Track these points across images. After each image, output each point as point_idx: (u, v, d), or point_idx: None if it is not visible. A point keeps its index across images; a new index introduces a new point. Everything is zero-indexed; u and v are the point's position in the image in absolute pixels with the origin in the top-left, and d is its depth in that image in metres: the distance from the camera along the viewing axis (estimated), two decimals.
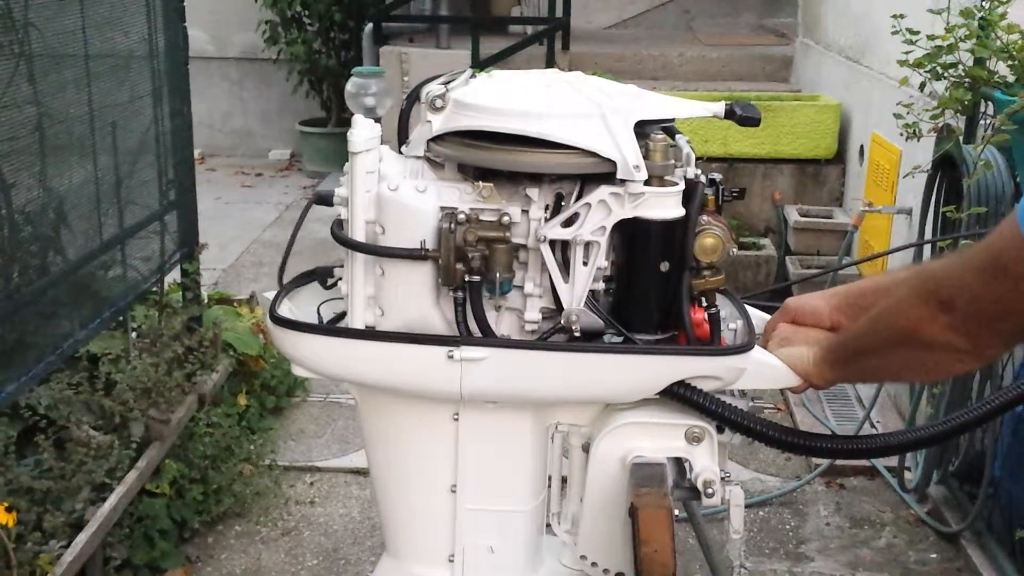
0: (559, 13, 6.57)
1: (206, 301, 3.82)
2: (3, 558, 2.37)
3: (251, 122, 8.07)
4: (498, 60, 6.15)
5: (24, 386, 2.51)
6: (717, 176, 1.44)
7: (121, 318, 3.09)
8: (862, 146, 4.79)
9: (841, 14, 5.46)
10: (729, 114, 1.42)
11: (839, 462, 3.57)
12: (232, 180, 7.36)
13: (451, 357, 1.32)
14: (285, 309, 1.49)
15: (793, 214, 4.96)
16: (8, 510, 2.48)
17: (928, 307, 1.12)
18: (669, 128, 1.49)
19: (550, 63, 6.20)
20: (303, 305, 1.53)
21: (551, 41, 6.40)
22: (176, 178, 3.33)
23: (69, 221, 2.66)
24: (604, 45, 6.99)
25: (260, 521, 3.30)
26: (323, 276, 1.54)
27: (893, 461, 3.52)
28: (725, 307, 1.57)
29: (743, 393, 1.47)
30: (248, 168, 7.66)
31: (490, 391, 1.36)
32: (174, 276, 3.61)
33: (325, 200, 1.46)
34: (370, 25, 6.70)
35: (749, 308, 1.56)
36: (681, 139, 1.45)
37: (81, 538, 2.60)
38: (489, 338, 1.34)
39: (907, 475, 3.46)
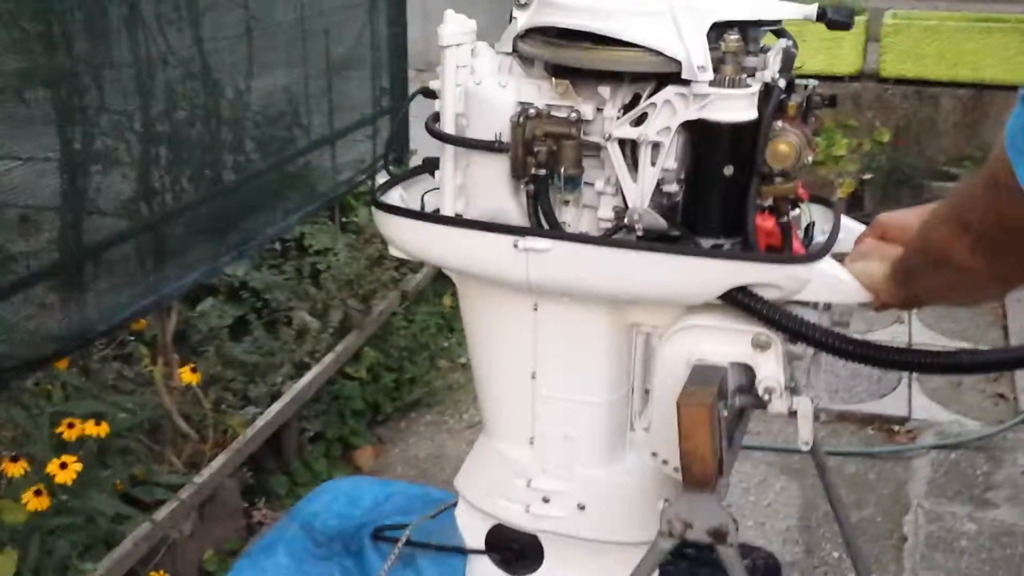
0: None
1: None
2: (202, 419, 2.68)
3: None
4: None
5: (234, 261, 2.77)
6: (810, 83, 1.41)
7: (332, 214, 3.34)
8: None
9: None
10: (820, 16, 1.38)
11: None
12: None
13: (516, 247, 1.39)
14: (395, 196, 1.61)
15: None
16: (215, 380, 2.79)
17: (952, 228, 1.08)
18: (779, 31, 1.47)
19: None
20: (415, 193, 1.64)
21: None
22: (390, 87, 3.52)
23: (277, 117, 2.89)
24: None
25: (448, 413, 3.51)
26: (432, 168, 1.63)
27: None
28: (826, 220, 1.54)
29: (828, 307, 1.45)
30: None
31: (554, 282, 1.42)
32: None
33: (431, 94, 1.56)
34: None
35: (852, 223, 1.53)
36: (781, 42, 1.42)
37: (275, 407, 2.89)
38: (553, 231, 1.40)
39: None
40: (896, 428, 3.42)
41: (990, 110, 4.80)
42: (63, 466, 1.86)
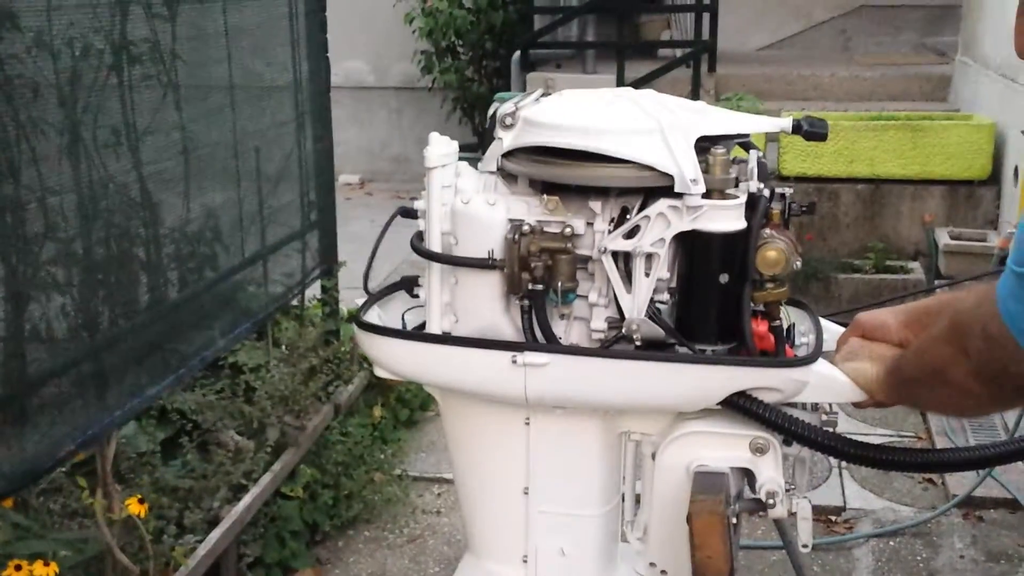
0: (705, 35, 6.57)
1: (345, 317, 4.00)
2: (142, 549, 2.55)
3: (408, 148, 8.35)
4: (643, 84, 6.18)
5: (167, 388, 2.69)
6: (787, 191, 1.46)
7: (261, 329, 3.27)
8: (1016, 167, 4.60)
9: (998, 29, 5.26)
10: (796, 129, 1.44)
11: (977, 494, 3.44)
12: (388, 204, 7.63)
13: (515, 362, 1.38)
14: (373, 315, 1.59)
15: (944, 237, 4.80)
16: (150, 508, 2.67)
17: (953, 348, 1.12)
18: (745, 143, 1.52)
19: (696, 86, 6.21)
20: (391, 312, 1.62)
21: (697, 64, 6.39)
22: (317, 200, 3.51)
23: (213, 238, 2.85)
24: (753, 66, 6.93)
25: (388, 528, 3.43)
26: (409, 285, 1.62)
27: None
28: (802, 321, 1.58)
29: (815, 407, 1.47)
30: (404, 192, 7.92)
31: (553, 396, 1.41)
32: (316, 293, 3.80)
33: (410, 213, 1.56)
34: (518, 52, 6.86)
35: (827, 323, 1.56)
36: (753, 154, 1.47)
37: (215, 534, 2.77)
38: (551, 344, 1.40)
39: None
40: (834, 518, 3.47)
41: (887, 202, 5.04)
42: None
